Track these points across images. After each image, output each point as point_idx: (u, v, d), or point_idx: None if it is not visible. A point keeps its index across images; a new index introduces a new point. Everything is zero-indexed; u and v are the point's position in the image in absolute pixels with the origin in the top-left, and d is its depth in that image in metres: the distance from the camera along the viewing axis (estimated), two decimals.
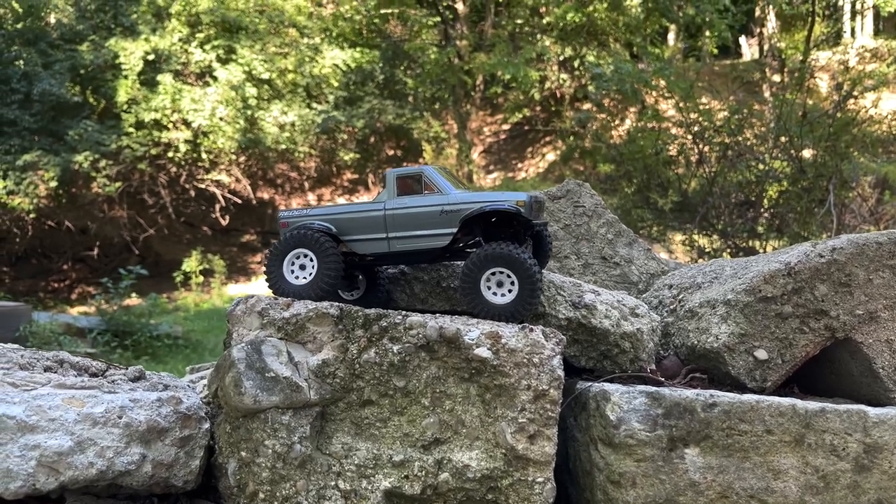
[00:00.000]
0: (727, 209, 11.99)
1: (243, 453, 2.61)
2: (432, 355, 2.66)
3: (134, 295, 15.81)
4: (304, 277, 2.98)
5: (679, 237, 13.36)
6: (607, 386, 2.77)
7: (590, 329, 3.17)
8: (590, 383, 2.89)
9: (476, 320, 2.78)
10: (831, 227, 11.28)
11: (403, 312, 2.74)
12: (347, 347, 2.68)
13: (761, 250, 11.63)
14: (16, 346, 2.76)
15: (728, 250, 12.02)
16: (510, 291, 2.84)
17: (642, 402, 2.64)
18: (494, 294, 2.85)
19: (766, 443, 2.62)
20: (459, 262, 3.39)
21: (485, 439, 2.61)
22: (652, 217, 13.41)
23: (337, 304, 2.78)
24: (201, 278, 19.37)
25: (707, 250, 12.35)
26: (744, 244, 12.03)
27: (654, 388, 2.69)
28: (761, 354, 3.21)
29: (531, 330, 2.66)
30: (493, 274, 2.84)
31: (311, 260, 2.99)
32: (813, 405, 2.69)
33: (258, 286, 20.27)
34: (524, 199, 2.90)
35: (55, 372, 2.67)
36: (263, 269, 3.05)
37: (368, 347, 2.67)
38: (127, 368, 2.90)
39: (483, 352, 2.60)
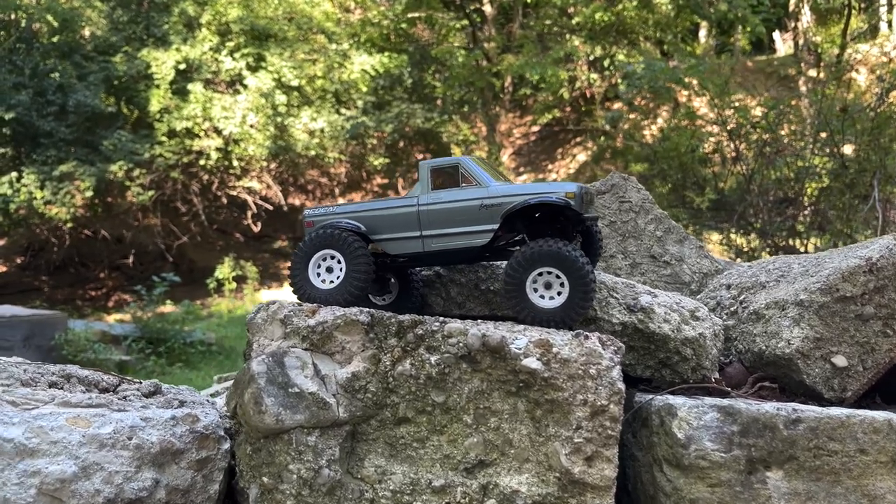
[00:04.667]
0: (765, 207, 11.53)
1: (265, 479, 2.34)
2: (474, 367, 2.36)
3: (168, 302, 15.84)
4: (332, 281, 2.72)
5: (716, 237, 12.97)
6: (672, 399, 2.46)
7: (647, 335, 2.85)
8: (650, 396, 2.58)
9: (522, 326, 2.48)
10: (875, 224, 10.79)
11: (441, 319, 2.45)
12: (380, 358, 2.40)
13: (801, 249, 11.22)
14: (19, 359, 2.54)
15: (767, 249, 11.60)
16: (559, 294, 2.54)
17: (714, 417, 2.32)
18: (542, 297, 2.56)
19: (860, 464, 2.29)
20: (499, 263, 3.11)
21: (535, 461, 2.31)
22: (687, 216, 13.03)
23: (367, 310, 2.50)
24: (234, 285, 19.38)
25: (745, 250, 11.95)
26: (783, 243, 11.59)
27: (726, 402, 2.37)
28: (840, 361, 2.86)
29: (586, 337, 2.36)
30: (541, 274, 2.55)
31: (339, 262, 2.73)
32: None
33: (290, 292, 20.22)
34: (574, 189, 2.60)
35: (61, 388, 2.45)
36: (287, 272, 2.79)
37: (403, 358, 2.38)
38: (142, 383, 2.66)
39: (532, 362, 2.30)
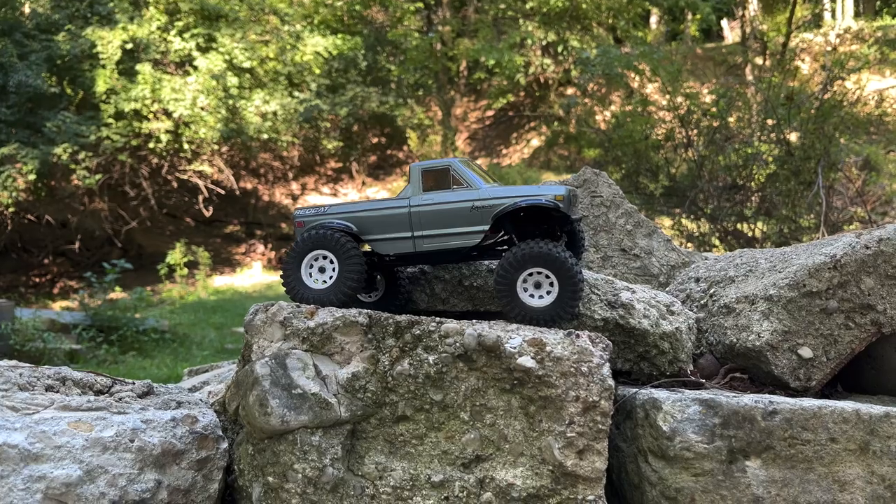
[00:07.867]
0: (715, 193, 11.90)
1: (270, 478, 2.38)
2: (471, 365, 2.44)
3: (118, 288, 15.45)
4: (325, 281, 2.76)
5: (668, 222, 13.32)
6: (656, 393, 2.59)
7: (628, 330, 2.98)
8: (634, 389, 2.71)
9: (516, 326, 2.57)
10: (818, 209, 11.25)
11: (438, 319, 2.52)
12: (378, 358, 2.46)
13: (749, 233, 11.63)
14: (13, 362, 2.51)
15: (716, 234, 11.99)
16: (548, 293, 2.64)
17: (696, 410, 2.46)
18: (532, 296, 2.65)
19: (830, 452, 2.45)
20: (484, 261, 3.19)
21: (530, 455, 2.41)
22: (640, 202, 13.34)
23: (365, 311, 2.55)
24: (186, 270, 19.02)
25: (696, 234, 12.32)
26: (732, 227, 11.99)
27: (707, 396, 2.50)
28: (806, 352, 3.04)
29: (578, 336, 2.46)
30: (531, 275, 2.64)
31: (332, 262, 2.77)
32: (877, 410, 2.52)
33: (243, 278, 19.98)
34: (562, 192, 2.69)
35: (57, 391, 2.43)
36: (280, 273, 2.82)
37: (401, 358, 2.45)
38: (134, 383, 2.66)
39: (527, 361, 2.39)
